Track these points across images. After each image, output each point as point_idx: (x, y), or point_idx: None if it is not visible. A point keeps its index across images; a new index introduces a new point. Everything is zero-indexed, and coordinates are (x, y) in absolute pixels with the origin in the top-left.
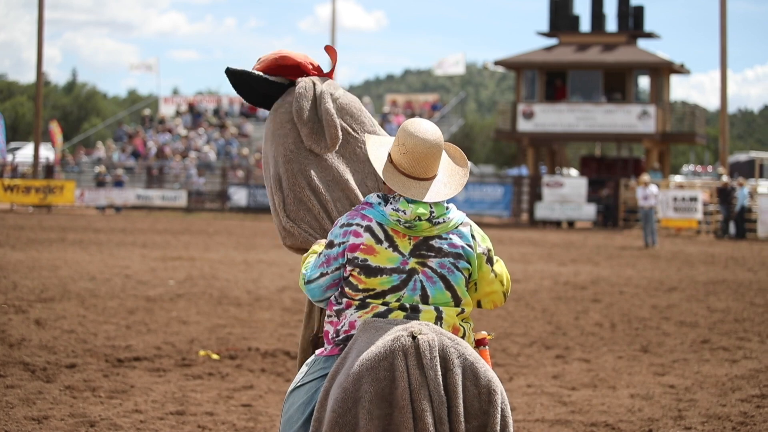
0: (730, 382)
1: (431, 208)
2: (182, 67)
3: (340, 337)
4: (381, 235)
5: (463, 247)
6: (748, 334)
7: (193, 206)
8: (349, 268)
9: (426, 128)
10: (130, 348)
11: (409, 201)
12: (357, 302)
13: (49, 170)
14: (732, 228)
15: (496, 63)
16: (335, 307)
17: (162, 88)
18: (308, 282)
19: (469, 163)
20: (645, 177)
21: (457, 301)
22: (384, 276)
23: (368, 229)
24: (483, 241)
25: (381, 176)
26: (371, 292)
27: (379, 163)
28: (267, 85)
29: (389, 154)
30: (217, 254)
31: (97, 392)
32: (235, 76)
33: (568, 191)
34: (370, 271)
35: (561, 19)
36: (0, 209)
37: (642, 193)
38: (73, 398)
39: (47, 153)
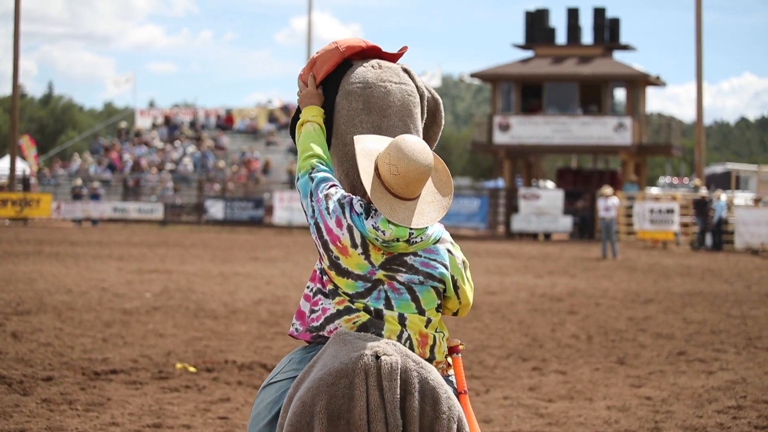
0: (706, 393)
1: (410, 230)
2: (159, 80)
3: (311, 325)
4: (358, 241)
5: (436, 268)
6: (724, 346)
7: (170, 219)
8: (322, 247)
9: (420, 150)
10: (107, 361)
11: (390, 221)
12: (332, 288)
13: (25, 183)
14: (708, 240)
15: (472, 75)
16: (318, 285)
17: (138, 100)
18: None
19: None
20: (606, 189)
21: (421, 311)
22: (350, 280)
23: (350, 228)
24: (458, 257)
25: (369, 196)
26: (338, 290)
27: (367, 178)
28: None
29: (376, 167)
30: (194, 267)
31: (74, 405)
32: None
33: (544, 203)
34: (340, 271)
35: (537, 32)
36: None
37: (603, 204)
38: (50, 411)
39: (24, 166)
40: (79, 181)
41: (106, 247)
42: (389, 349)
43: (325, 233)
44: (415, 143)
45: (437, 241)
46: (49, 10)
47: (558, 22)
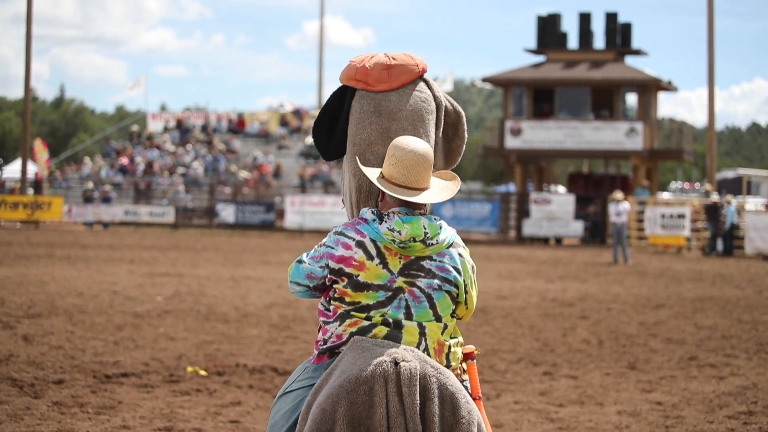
0: (717, 398)
1: (425, 229)
2: (170, 83)
3: (327, 346)
4: (373, 252)
5: (451, 272)
6: (735, 351)
7: (181, 222)
8: (334, 279)
9: (413, 140)
10: (118, 364)
11: (404, 221)
12: (341, 313)
13: (37, 186)
14: (719, 245)
15: (484, 80)
16: (322, 318)
17: (150, 104)
18: (299, 261)
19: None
20: (618, 194)
21: (438, 318)
22: (370, 291)
23: (360, 244)
24: (468, 262)
25: (375, 183)
26: (356, 305)
27: (372, 174)
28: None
29: (380, 172)
30: (205, 270)
31: (85, 408)
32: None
33: (555, 208)
34: (358, 286)
35: (549, 36)
36: None
37: (614, 209)
38: (61, 414)
39: (35, 169)
40: (90, 185)
41: (118, 250)
42: (408, 356)
43: (335, 264)
44: (409, 137)
45: (450, 245)
46: (60, 13)
47: (570, 27)
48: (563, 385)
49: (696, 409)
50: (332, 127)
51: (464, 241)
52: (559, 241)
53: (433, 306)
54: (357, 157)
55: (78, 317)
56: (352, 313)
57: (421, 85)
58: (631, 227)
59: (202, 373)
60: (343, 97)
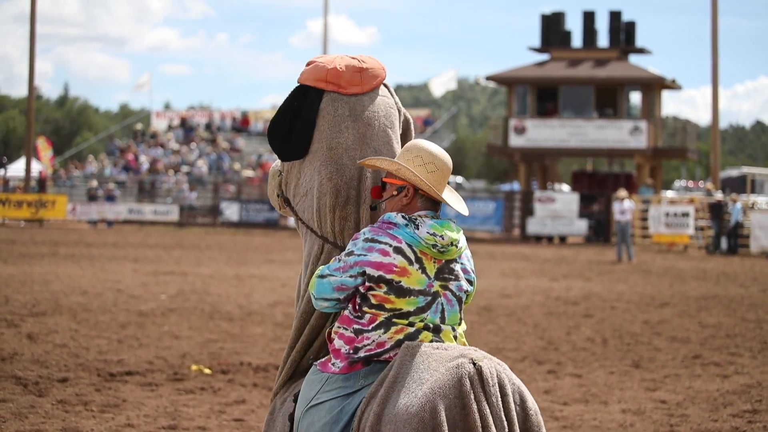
0: (721, 397)
1: (456, 232)
2: (174, 82)
3: (360, 356)
4: (412, 257)
5: (470, 273)
6: (739, 350)
7: (185, 221)
8: (371, 286)
9: (440, 149)
10: (122, 362)
11: (441, 225)
12: (382, 321)
13: (41, 184)
14: (724, 243)
15: (488, 78)
16: (355, 325)
17: (154, 102)
18: (322, 276)
19: (460, 178)
20: (621, 192)
21: (461, 319)
22: (411, 297)
23: (398, 250)
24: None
25: (433, 190)
26: (397, 312)
27: (420, 179)
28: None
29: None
30: (209, 269)
31: (89, 406)
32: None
33: (559, 206)
34: (401, 292)
35: (553, 35)
36: None
37: (619, 207)
38: (65, 412)
39: (39, 167)
40: (94, 183)
41: (122, 248)
42: (477, 355)
43: (374, 271)
44: (433, 144)
45: (465, 247)
46: (64, 12)
47: (574, 26)
48: (567, 384)
49: (700, 407)
50: (290, 128)
51: (468, 239)
52: (563, 239)
53: (460, 308)
54: (398, 161)
55: (82, 316)
56: (394, 320)
57: (384, 89)
58: (635, 226)
59: (207, 371)
60: (302, 98)
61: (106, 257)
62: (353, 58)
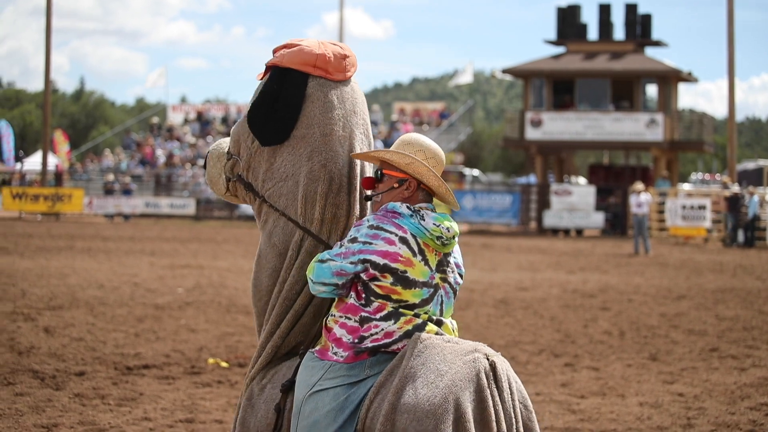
0: (739, 390)
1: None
2: (190, 76)
3: (367, 345)
4: (416, 248)
5: (461, 266)
6: (756, 342)
7: (202, 214)
8: (375, 274)
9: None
10: (139, 356)
11: (443, 217)
12: (391, 311)
13: (57, 178)
14: (740, 236)
15: (504, 71)
16: (362, 313)
17: (170, 96)
18: (322, 261)
19: (477, 171)
20: (638, 185)
21: (452, 312)
22: (417, 289)
23: (404, 240)
24: None
25: (440, 187)
26: (403, 303)
27: (433, 172)
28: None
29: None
30: (226, 262)
31: (107, 400)
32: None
33: (576, 199)
34: (408, 283)
35: (568, 28)
36: (8, 217)
37: (635, 200)
38: (82, 406)
39: (56, 161)
40: (111, 177)
41: (138, 242)
42: (488, 350)
43: (379, 259)
44: (428, 138)
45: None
46: (80, 6)
47: (590, 18)
48: (585, 377)
49: (718, 400)
50: (272, 111)
51: (485, 232)
52: (579, 232)
53: (454, 301)
54: (411, 155)
55: (99, 309)
56: (401, 310)
57: (354, 78)
58: (651, 218)
59: (224, 364)
60: (281, 80)
61: (123, 251)
62: (334, 44)
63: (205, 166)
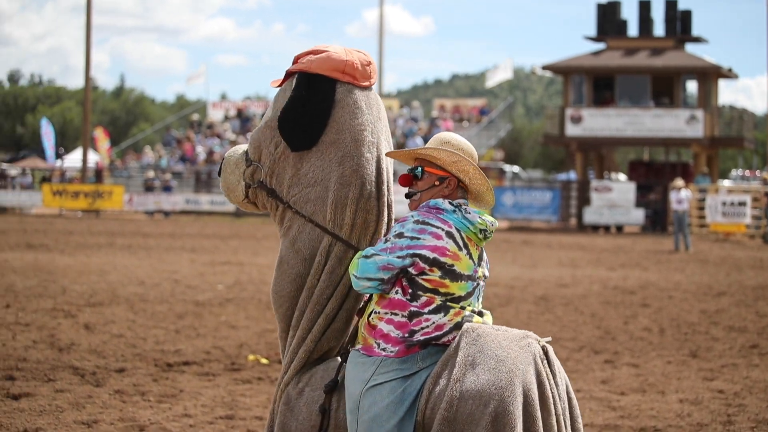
0: None
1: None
2: (230, 73)
3: (419, 339)
4: (460, 242)
5: (487, 261)
6: None
7: (242, 211)
8: (424, 269)
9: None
10: (180, 352)
11: (481, 213)
12: (440, 304)
13: (98, 175)
14: None
15: (544, 68)
16: (411, 308)
17: (210, 93)
18: (366, 256)
19: (517, 168)
20: (678, 182)
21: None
22: (463, 282)
23: (450, 234)
24: None
25: (485, 184)
26: (450, 296)
27: (476, 171)
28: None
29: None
30: (266, 259)
31: (147, 396)
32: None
33: (616, 196)
34: (456, 276)
35: (608, 24)
36: (49, 214)
37: (676, 197)
38: (122, 402)
39: (96, 158)
40: (151, 173)
41: (179, 239)
42: (536, 336)
43: (429, 253)
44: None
45: None
46: (120, 3)
47: (630, 15)
48: (625, 374)
49: (758, 397)
50: (302, 117)
51: (525, 229)
52: (620, 228)
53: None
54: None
55: (139, 306)
56: (449, 303)
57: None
58: (692, 215)
59: (264, 361)
60: (309, 86)
61: (163, 248)
62: (358, 51)
63: (220, 174)
